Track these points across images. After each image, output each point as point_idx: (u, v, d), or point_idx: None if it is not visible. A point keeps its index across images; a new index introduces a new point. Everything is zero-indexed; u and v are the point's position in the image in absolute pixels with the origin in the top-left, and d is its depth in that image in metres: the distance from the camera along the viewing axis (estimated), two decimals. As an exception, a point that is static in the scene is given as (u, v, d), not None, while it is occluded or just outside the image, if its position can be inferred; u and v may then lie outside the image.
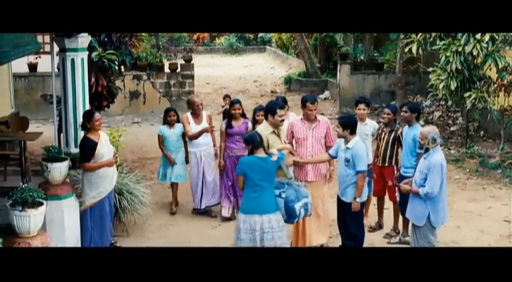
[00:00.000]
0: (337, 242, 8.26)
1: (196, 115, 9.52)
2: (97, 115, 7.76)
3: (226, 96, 12.37)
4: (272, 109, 7.76)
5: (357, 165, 7.42)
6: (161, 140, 9.68)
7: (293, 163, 7.84)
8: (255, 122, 9.18)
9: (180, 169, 9.69)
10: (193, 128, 9.46)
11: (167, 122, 9.68)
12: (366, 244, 7.88)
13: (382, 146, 8.62)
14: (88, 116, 7.79)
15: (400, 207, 8.27)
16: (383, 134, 8.65)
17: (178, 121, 9.70)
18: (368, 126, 8.82)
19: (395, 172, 8.55)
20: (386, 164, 8.58)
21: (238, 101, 9.52)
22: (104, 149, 7.72)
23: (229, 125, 9.27)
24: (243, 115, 9.42)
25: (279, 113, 7.70)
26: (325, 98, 19.23)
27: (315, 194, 7.92)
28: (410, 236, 7.57)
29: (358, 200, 7.48)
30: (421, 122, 14.33)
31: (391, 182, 8.54)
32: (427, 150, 7.06)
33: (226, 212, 9.30)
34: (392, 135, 8.52)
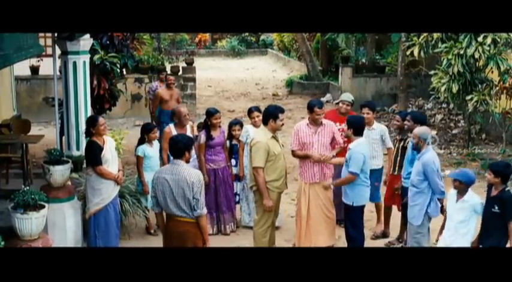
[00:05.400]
0: (341, 244, 8.27)
1: (181, 126, 8.74)
2: (101, 120, 7.61)
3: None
4: (274, 113, 7.59)
5: (350, 166, 7.47)
6: (141, 162, 8.58)
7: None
8: (232, 137, 9.03)
9: None
10: None
11: (147, 139, 8.64)
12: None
13: (393, 153, 8.60)
14: (92, 121, 7.63)
15: (402, 215, 8.28)
16: (395, 141, 8.64)
17: None
18: (376, 131, 8.73)
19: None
20: (395, 173, 8.53)
21: (217, 111, 8.94)
22: (108, 155, 7.57)
23: (209, 137, 8.73)
24: None
25: (281, 117, 7.59)
26: (327, 101, 19.22)
27: (322, 195, 7.94)
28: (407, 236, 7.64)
29: (331, 184, 7.81)
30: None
31: (397, 190, 8.50)
32: (419, 150, 7.17)
33: (210, 229, 8.55)
34: (402, 143, 8.41)
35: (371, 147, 8.62)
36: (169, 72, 17.33)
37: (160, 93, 11.95)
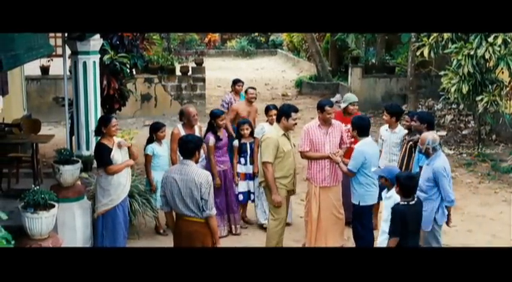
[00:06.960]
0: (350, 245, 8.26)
1: (190, 127, 8.61)
2: (114, 121, 7.59)
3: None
4: (287, 112, 7.64)
5: (349, 163, 7.52)
6: (150, 160, 8.60)
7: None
8: (240, 137, 9.09)
9: None
10: None
11: (156, 138, 8.65)
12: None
13: (401, 154, 8.55)
14: (105, 121, 7.61)
15: None
16: (403, 141, 8.55)
17: None
18: (398, 135, 8.61)
19: None
20: None
21: (223, 112, 8.96)
22: (118, 155, 7.57)
23: (218, 138, 8.70)
24: None
25: (293, 116, 7.63)
26: (336, 101, 19.18)
27: (333, 198, 7.95)
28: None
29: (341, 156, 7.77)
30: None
31: None
32: (428, 155, 7.09)
33: (222, 231, 8.54)
34: (410, 144, 8.24)
35: (390, 150, 8.58)
36: (178, 72, 17.35)
37: (236, 108, 10.15)
